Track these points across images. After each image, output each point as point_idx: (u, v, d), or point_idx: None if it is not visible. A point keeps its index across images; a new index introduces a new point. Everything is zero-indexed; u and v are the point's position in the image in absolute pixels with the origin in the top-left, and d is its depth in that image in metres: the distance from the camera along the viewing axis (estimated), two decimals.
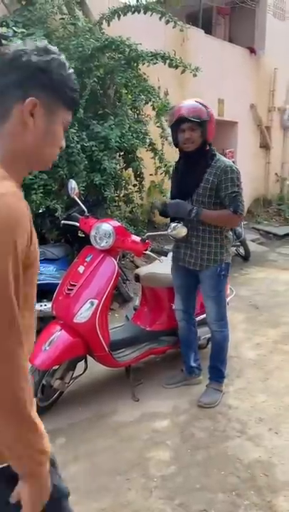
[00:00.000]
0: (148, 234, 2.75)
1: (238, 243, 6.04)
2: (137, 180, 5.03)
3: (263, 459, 2.24)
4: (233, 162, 9.91)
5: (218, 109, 8.25)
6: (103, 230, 2.63)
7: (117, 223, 2.74)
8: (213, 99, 8.16)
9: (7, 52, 0.91)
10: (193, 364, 2.94)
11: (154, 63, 4.83)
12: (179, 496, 1.99)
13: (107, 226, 2.64)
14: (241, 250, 6.21)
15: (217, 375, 2.82)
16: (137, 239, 2.70)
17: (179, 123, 2.46)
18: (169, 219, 2.71)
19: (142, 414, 2.63)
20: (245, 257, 6.20)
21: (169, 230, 2.58)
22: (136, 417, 2.61)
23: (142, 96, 4.96)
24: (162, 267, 3.00)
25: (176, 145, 2.58)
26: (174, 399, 2.79)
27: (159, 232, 2.80)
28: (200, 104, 2.46)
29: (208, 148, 2.54)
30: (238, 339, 3.61)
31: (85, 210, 2.84)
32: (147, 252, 2.66)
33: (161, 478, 2.11)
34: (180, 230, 2.56)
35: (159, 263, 2.77)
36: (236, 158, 8.45)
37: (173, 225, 2.58)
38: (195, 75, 5.03)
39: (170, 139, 5.17)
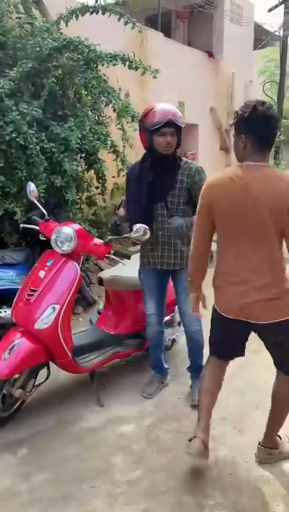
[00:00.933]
0: (110, 237, 2.72)
1: None
2: (99, 183, 4.99)
3: (228, 458, 2.27)
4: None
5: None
6: (64, 234, 2.58)
7: (78, 226, 2.70)
8: (174, 101, 8.23)
9: None
10: (166, 366, 2.98)
11: (114, 64, 4.80)
12: (144, 500, 1.98)
13: (68, 229, 2.59)
14: None
15: (200, 371, 2.81)
16: (100, 242, 2.67)
17: (162, 126, 2.44)
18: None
19: (108, 419, 2.61)
20: None
21: (132, 233, 2.57)
22: (101, 422, 2.57)
23: (103, 97, 4.94)
24: (126, 269, 2.98)
25: (149, 148, 2.54)
26: (139, 402, 2.78)
27: (120, 236, 2.76)
28: (178, 109, 2.52)
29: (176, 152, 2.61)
30: None
31: (45, 213, 2.77)
32: (110, 255, 2.63)
33: (126, 483, 2.09)
34: (143, 233, 2.55)
35: (123, 266, 2.75)
36: (197, 160, 8.58)
37: (136, 227, 2.58)
38: (155, 77, 5.05)
39: (131, 141, 5.30)
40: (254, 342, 3.75)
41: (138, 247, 2.88)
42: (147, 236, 2.54)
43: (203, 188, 2.01)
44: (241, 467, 2.21)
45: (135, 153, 5.61)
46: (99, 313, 3.23)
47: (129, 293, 3.06)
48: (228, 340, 2.15)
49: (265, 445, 2.22)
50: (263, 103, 1.88)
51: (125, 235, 2.73)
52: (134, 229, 2.55)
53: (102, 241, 2.67)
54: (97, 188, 5.06)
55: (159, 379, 2.96)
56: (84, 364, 2.71)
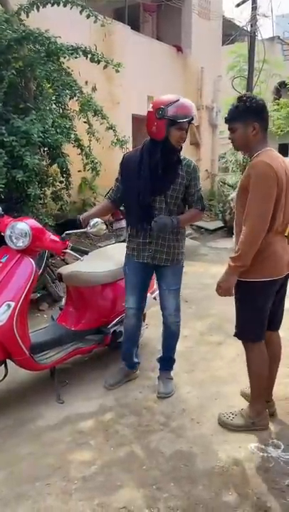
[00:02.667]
0: (67, 232, 2.68)
1: None
2: (63, 177, 4.93)
3: (184, 449, 2.29)
4: None
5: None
6: (19, 229, 2.51)
7: (34, 222, 2.64)
8: (143, 95, 8.21)
9: None
10: (135, 360, 2.98)
11: (75, 57, 4.74)
12: (99, 495, 1.97)
13: (23, 225, 2.53)
14: None
15: (170, 364, 2.91)
16: (56, 238, 2.63)
17: (180, 122, 2.44)
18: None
19: (67, 416, 2.58)
20: None
21: (88, 228, 2.53)
22: (60, 419, 2.54)
23: (66, 90, 4.87)
24: (86, 265, 2.96)
25: (165, 139, 2.46)
26: (100, 398, 2.77)
27: (78, 230, 2.70)
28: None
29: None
30: None
31: (0, 208, 2.71)
32: (67, 250, 2.59)
33: (82, 479, 2.07)
34: (100, 227, 2.54)
35: (85, 259, 2.71)
36: None
37: (93, 222, 2.54)
38: (117, 71, 5.01)
39: (97, 134, 5.24)
40: (219, 335, 3.81)
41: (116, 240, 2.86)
42: (104, 231, 2.53)
43: (268, 173, 2.09)
44: (198, 458, 2.22)
45: (102, 147, 5.60)
46: (60, 309, 3.19)
47: (90, 288, 3.03)
48: (269, 305, 2.34)
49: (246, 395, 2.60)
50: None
51: (82, 230, 2.69)
52: (90, 223, 2.53)
53: (58, 236, 2.63)
54: (61, 182, 4.99)
55: (126, 372, 2.95)
56: (43, 361, 2.67)
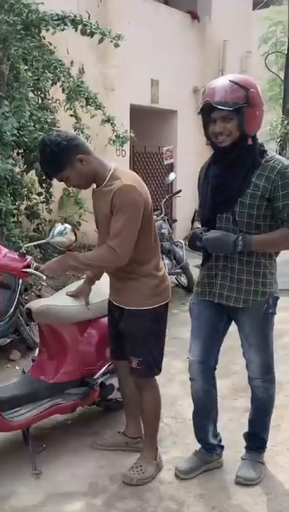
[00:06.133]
0: (27, 244, 2.95)
1: (179, 270, 6.43)
2: (42, 188, 5.21)
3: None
4: (172, 164, 10.25)
5: (152, 93, 8.77)
6: None
7: None
8: (145, 79, 8.62)
9: None
10: (212, 440, 3.00)
11: (62, 29, 5.02)
12: None
13: None
14: (183, 279, 6.57)
15: (259, 443, 3.00)
16: (14, 254, 2.86)
17: (208, 111, 2.56)
18: None
19: (48, 494, 2.79)
20: (188, 288, 6.51)
21: (50, 237, 2.78)
22: (40, 499, 2.75)
23: (48, 74, 5.14)
24: (62, 297, 3.21)
25: (209, 138, 2.68)
26: (91, 472, 2.98)
27: (38, 242, 3.05)
28: (236, 83, 2.50)
29: (251, 142, 2.60)
30: (174, 394, 3.86)
31: None
32: (29, 269, 2.81)
33: None
34: (69, 237, 2.78)
35: (60, 293, 2.95)
36: (176, 158, 8.92)
37: (58, 228, 2.78)
38: (117, 45, 5.32)
39: (87, 131, 5.55)
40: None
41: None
42: (71, 241, 2.79)
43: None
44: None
45: (93, 147, 5.85)
46: (33, 360, 3.38)
47: (68, 327, 3.24)
48: None
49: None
50: None
51: (42, 241, 3.03)
52: (55, 230, 2.79)
53: (17, 252, 2.89)
54: (39, 194, 5.26)
55: (202, 457, 3.01)
56: (14, 419, 2.92)
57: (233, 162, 2.63)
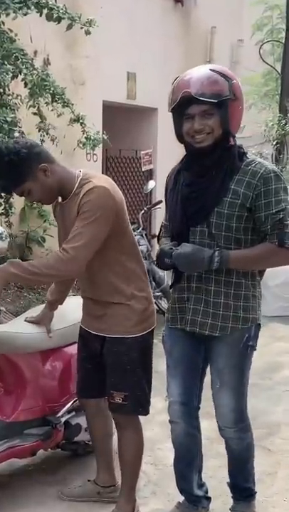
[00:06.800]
0: None
1: (159, 293, 6.46)
2: (1, 197, 5.22)
3: None
4: (151, 170, 10.33)
5: (128, 88, 8.84)
6: None
7: None
8: (120, 72, 8.67)
9: None
10: (197, 492, 2.98)
11: (24, 14, 4.96)
12: None
13: None
14: (164, 304, 6.50)
15: (245, 493, 2.97)
16: None
17: (184, 105, 2.51)
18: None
19: None
20: None
21: None
22: None
23: (8, 65, 5.06)
24: (19, 323, 3.26)
25: (181, 139, 2.65)
26: None
27: None
28: (217, 73, 2.49)
29: (233, 142, 2.61)
30: (153, 437, 3.86)
31: None
32: None
33: None
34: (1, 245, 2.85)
35: (19, 318, 2.98)
36: (156, 164, 8.93)
37: None
38: (88, 33, 5.33)
39: (53, 132, 5.58)
40: None
41: None
42: (4, 250, 2.83)
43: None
44: None
45: (60, 151, 5.93)
46: None
47: (26, 357, 3.25)
48: None
49: None
50: None
51: None
52: None
53: None
54: None
55: (187, 510, 2.98)
56: None
57: (210, 166, 2.60)
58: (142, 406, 2.91)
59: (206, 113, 2.49)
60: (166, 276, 6.54)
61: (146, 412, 2.95)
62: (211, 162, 2.58)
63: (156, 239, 7.92)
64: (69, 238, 2.63)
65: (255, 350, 2.75)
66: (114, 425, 3.10)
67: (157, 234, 3.08)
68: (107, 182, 2.74)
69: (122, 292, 2.81)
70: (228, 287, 2.63)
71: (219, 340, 2.68)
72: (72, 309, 3.22)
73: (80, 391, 3.15)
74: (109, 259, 2.79)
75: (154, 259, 6.63)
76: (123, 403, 2.84)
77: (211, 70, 2.50)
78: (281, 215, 2.51)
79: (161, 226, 2.99)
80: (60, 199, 2.84)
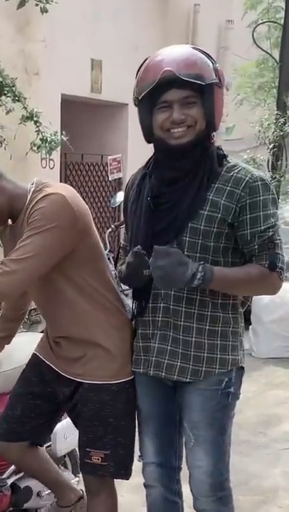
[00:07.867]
0: None
1: None
2: None
3: None
4: (120, 180, 10.63)
5: (92, 80, 9.03)
6: None
7: None
8: (83, 60, 8.89)
9: None
10: None
11: None
12: None
13: None
14: None
15: None
16: None
17: (159, 90, 2.48)
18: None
19: None
20: None
21: None
22: None
23: None
24: None
25: (150, 138, 2.66)
26: None
27: None
28: (200, 51, 2.53)
29: (212, 140, 2.65)
30: (125, 504, 3.81)
31: None
32: None
33: None
34: None
35: None
36: (125, 171, 9.05)
37: None
38: (45, 10, 5.63)
39: (1, 132, 5.64)
40: None
41: None
42: None
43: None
44: None
45: (9, 155, 6.11)
46: None
47: None
48: None
49: None
50: None
51: None
52: None
53: None
54: None
55: None
56: None
57: (188, 170, 2.58)
58: (125, 468, 2.87)
59: (188, 101, 2.48)
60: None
61: (128, 476, 2.90)
62: (190, 164, 2.57)
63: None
64: (12, 251, 2.61)
65: (238, 399, 2.74)
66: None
67: (115, 258, 3.12)
68: (65, 190, 2.72)
69: (106, 322, 2.82)
70: (202, 322, 2.62)
71: (191, 386, 2.67)
72: (21, 348, 3.32)
73: (6, 433, 3.07)
74: (86, 289, 2.80)
75: (124, 287, 6.99)
76: (102, 464, 2.81)
77: (193, 48, 2.57)
78: (270, 233, 2.52)
79: (119, 248, 3.05)
80: (9, 221, 2.86)
